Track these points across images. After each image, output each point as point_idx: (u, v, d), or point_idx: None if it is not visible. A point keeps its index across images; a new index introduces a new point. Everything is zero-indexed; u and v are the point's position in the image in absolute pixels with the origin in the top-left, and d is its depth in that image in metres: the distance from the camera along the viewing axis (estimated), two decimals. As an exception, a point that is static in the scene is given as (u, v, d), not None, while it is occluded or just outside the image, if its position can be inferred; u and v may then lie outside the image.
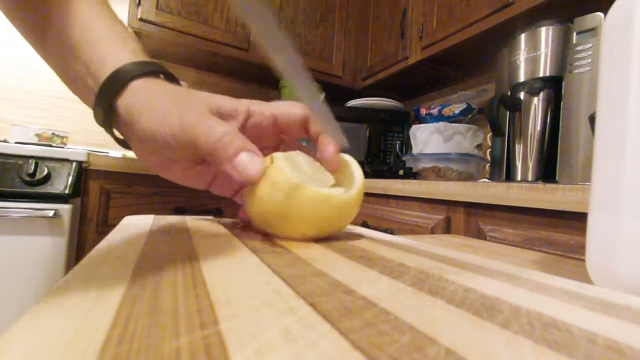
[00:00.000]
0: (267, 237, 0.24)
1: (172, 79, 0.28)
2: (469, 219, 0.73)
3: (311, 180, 0.22)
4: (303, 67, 0.22)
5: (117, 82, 0.24)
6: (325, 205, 0.22)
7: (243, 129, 0.25)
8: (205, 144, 0.22)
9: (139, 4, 1.35)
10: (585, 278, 0.17)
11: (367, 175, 1.46)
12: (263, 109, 0.26)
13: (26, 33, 0.29)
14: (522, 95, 0.88)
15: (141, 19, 1.36)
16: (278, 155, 0.23)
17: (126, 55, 0.26)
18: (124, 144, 0.28)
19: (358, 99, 1.57)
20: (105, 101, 0.24)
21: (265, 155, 0.23)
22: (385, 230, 0.88)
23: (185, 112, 0.23)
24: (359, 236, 0.26)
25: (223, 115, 0.25)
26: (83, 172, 1.10)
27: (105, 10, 0.29)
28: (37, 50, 0.30)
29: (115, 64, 0.25)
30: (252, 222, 0.25)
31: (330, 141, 0.26)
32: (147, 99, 0.24)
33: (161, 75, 0.27)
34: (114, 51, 0.26)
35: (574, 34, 0.79)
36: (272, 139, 0.28)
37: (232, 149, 0.22)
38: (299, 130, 0.27)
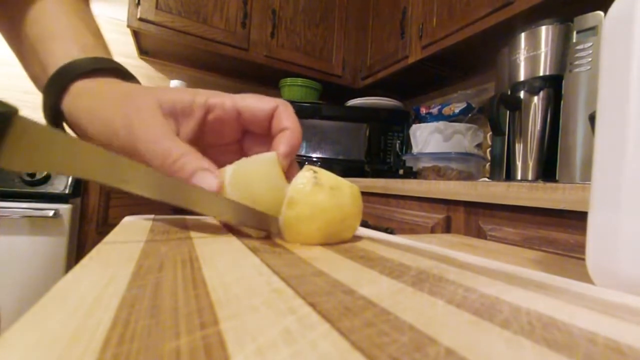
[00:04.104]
0: (267, 237, 0.24)
1: (126, 76, 0.25)
2: (469, 218, 0.73)
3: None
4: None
5: (60, 82, 0.22)
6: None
7: (203, 124, 0.24)
8: (160, 167, 0.21)
9: (139, 3, 1.35)
10: (585, 277, 0.17)
11: (367, 174, 1.46)
12: (225, 102, 0.24)
13: (4, 34, 0.27)
14: (522, 94, 0.88)
15: (141, 19, 1.36)
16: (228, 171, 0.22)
17: (74, 52, 0.23)
18: None
19: (358, 99, 1.57)
20: (51, 106, 0.22)
21: (230, 150, 0.24)
22: (385, 230, 0.88)
23: (133, 122, 0.21)
24: (359, 236, 0.26)
25: (177, 114, 0.23)
26: (83, 172, 1.10)
27: (69, 4, 0.26)
28: (13, 49, 0.27)
29: (61, 62, 0.23)
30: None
31: (284, 142, 0.23)
32: (88, 103, 0.22)
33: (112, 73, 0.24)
34: (62, 48, 0.24)
35: (574, 33, 0.79)
36: (235, 133, 0.26)
37: (188, 172, 0.21)
38: (265, 126, 0.25)
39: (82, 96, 0.22)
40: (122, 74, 0.25)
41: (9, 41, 0.27)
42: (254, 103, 0.24)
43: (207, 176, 0.21)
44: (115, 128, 0.21)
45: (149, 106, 0.21)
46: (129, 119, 0.21)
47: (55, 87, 0.22)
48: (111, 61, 0.24)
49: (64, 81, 0.22)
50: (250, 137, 0.27)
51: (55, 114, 0.22)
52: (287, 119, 0.24)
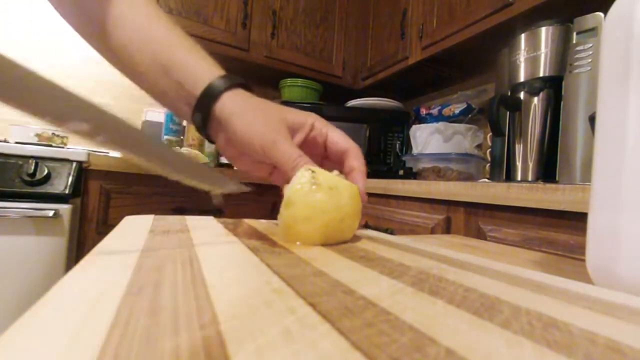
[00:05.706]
0: (267, 237, 0.24)
1: (247, 87, 0.35)
2: (469, 219, 0.73)
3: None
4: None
5: (212, 93, 0.31)
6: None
7: (306, 139, 0.32)
8: (282, 165, 0.28)
9: (139, 4, 1.35)
10: (585, 278, 0.17)
11: (367, 175, 1.46)
12: (322, 128, 0.33)
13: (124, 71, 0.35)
14: (522, 95, 0.88)
15: (141, 19, 1.36)
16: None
17: (213, 72, 0.33)
18: (209, 138, 0.35)
19: (358, 99, 1.57)
20: (205, 108, 0.32)
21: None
22: (385, 230, 0.88)
23: (267, 129, 0.30)
24: (359, 236, 0.26)
25: (294, 128, 0.31)
26: (83, 172, 1.10)
27: (180, 31, 0.35)
28: (128, 75, 0.35)
29: (207, 80, 0.32)
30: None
31: (357, 177, 0.32)
32: (236, 108, 0.31)
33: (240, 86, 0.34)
34: (201, 69, 0.33)
35: (574, 34, 0.79)
36: (320, 151, 0.34)
37: (300, 166, 0.27)
38: (338, 159, 0.33)
39: (230, 103, 0.31)
40: (243, 84, 0.34)
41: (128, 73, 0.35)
42: (338, 138, 0.33)
43: None
44: (256, 132, 0.30)
45: (279, 120, 0.31)
46: (264, 128, 0.30)
47: (210, 96, 0.31)
48: (235, 77, 0.34)
49: (215, 93, 0.31)
50: (328, 162, 0.35)
51: (207, 113, 0.32)
52: (355, 159, 0.32)
